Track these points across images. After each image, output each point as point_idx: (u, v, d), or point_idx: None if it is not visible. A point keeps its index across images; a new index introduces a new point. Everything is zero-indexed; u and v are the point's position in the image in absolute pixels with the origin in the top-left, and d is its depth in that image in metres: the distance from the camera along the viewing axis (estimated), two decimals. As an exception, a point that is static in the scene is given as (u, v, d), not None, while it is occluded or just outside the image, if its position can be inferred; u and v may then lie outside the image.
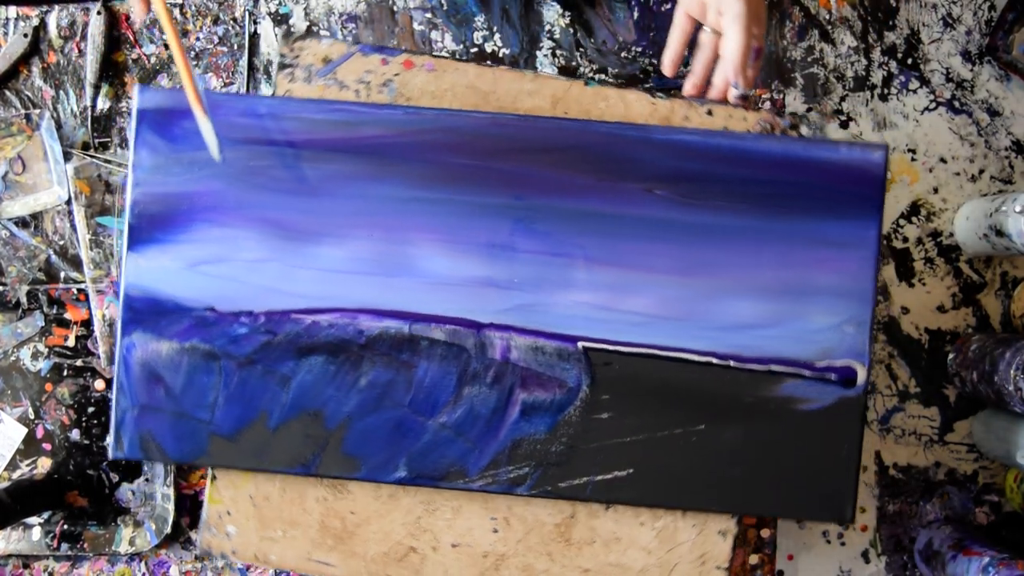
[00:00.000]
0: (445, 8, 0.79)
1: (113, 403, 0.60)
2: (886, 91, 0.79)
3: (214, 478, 0.61)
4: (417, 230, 0.57)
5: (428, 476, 0.58)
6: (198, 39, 0.79)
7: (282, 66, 0.62)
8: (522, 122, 0.57)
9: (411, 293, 0.58)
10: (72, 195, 0.78)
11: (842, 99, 0.79)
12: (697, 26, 0.60)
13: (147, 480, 0.78)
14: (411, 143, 0.57)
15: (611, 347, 0.57)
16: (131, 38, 0.80)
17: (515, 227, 0.57)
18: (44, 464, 0.79)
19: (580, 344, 0.57)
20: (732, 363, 0.56)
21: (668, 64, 0.62)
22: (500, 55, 0.78)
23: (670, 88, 0.78)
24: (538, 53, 0.79)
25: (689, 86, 0.62)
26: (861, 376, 0.56)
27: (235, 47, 0.79)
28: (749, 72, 0.58)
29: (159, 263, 0.59)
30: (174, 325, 0.59)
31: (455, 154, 0.57)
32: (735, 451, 0.57)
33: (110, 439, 0.60)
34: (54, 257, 0.80)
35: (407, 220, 0.57)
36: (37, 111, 0.79)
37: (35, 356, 0.79)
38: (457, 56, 0.70)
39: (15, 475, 0.79)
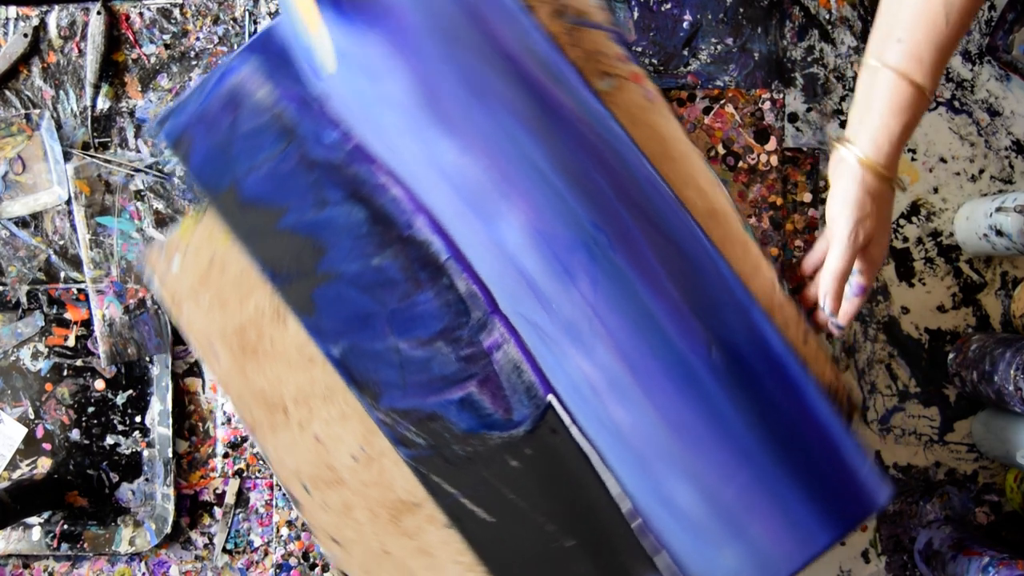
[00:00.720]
0: (445, 8, 0.79)
1: (188, 91, 0.58)
2: (886, 91, 0.79)
3: (203, 215, 0.59)
4: (523, 197, 0.55)
5: (350, 373, 0.57)
6: (198, 39, 0.79)
7: None
8: (672, 204, 0.56)
9: (472, 235, 0.56)
10: (72, 195, 0.78)
11: (842, 99, 0.79)
12: None
13: (147, 480, 0.78)
14: (581, 134, 0.56)
15: (570, 422, 0.56)
16: (131, 38, 0.80)
17: (590, 268, 0.55)
18: (44, 464, 0.79)
19: (550, 397, 0.56)
20: (636, 524, 0.55)
21: (806, 265, 0.62)
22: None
23: (670, 89, 0.78)
24: (538, 53, 0.79)
25: (805, 265, 0.61)
26: None
27: (235, 47, 0.79)
28: (846, 305, 0.57)
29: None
30: (285, 83, 0.57)
31: (603, 175, 0.56)
32: None
33: (159, 111, 0.58)
34: (54, 257, 0.80)
35: (524, 183, 0.55)
36: (37, 111, 0.79)
37: (35, 356, 0.79)
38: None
39: (15, 475, 0.79)
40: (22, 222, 0.80)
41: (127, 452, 0.78)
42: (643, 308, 0.54)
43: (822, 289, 0.56)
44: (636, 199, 0.56)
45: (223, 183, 0.58)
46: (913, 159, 0.79)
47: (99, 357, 0.77)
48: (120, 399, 0.78)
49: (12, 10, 0.79)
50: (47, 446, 0.79)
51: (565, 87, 0.56)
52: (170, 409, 0.77)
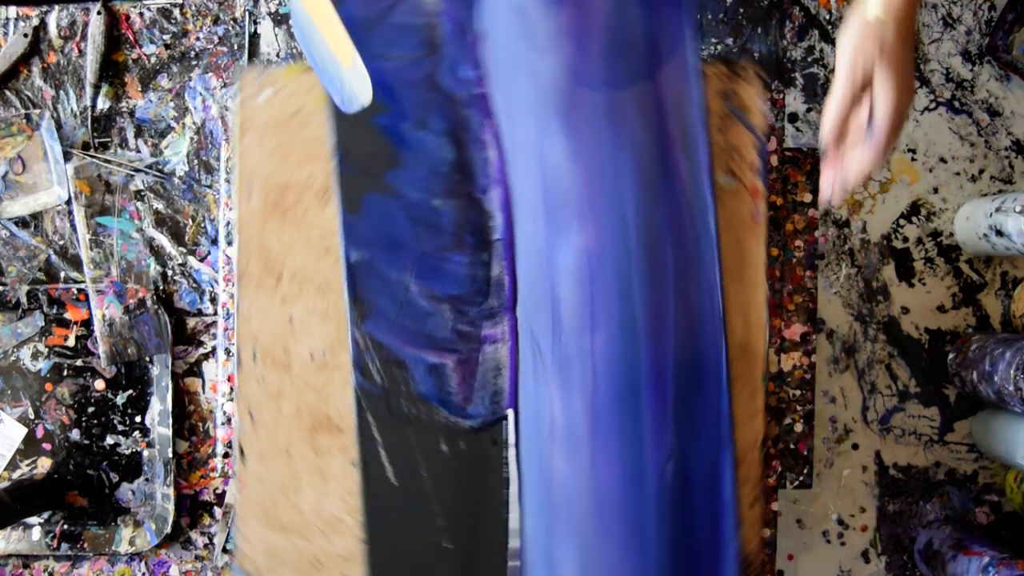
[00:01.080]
0: (445, 8, 0.79)
1: None
2: (886, 91, 0.79)
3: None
4: (596, 230, 0.54)
5: (353, 283, 0.57)
6: (198, 39, 0.79)
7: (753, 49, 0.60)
8: (716, 321, 0.56)
9: (532, 233, 0.56)
10: (72, 195, 0.78)
11: (842, 99, 0.79)
12: None
13: (147, 480, 0.78)
14: (678, 210, 0.55)
15: (512, 443, 0.56)
16: (131, 38, 0.80)
17: (613, 329, 0.55)
18: (44, 464, 0.79)
19: (510, 412, 0.56)
20: (512, 565, 0.56)
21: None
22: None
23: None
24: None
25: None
26: None
27: (235, 47, 0.79)
28: (859, 158, 0.53)
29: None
30: (457, 2, 0.57)
31: (675, 256, 0.55)
32: None
33: None
34: (54, 257, 0.80)
35: (603, 218, 0.54)
36: (37, 111, 0.79)
37: (35, 356, 0.79)
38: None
39: (15, 475, 0.79)
40: (22, 222, 0.80)
41: (127, 452, 0.78)
42: (635, 389, 0.54)
43: (822, 127, 0.54)
44: (689, 297, 0.55)
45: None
46: (913, 159, 0.79)
47: (99, 357, 0.77)
48: (120, 399, 0.78)
49: (12, 10, 0.79)
50: (47, 446, 0.79)
51: (691, 161, 0.56)
52: (170, 409, 0.77)
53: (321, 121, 0.59)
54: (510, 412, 0.56)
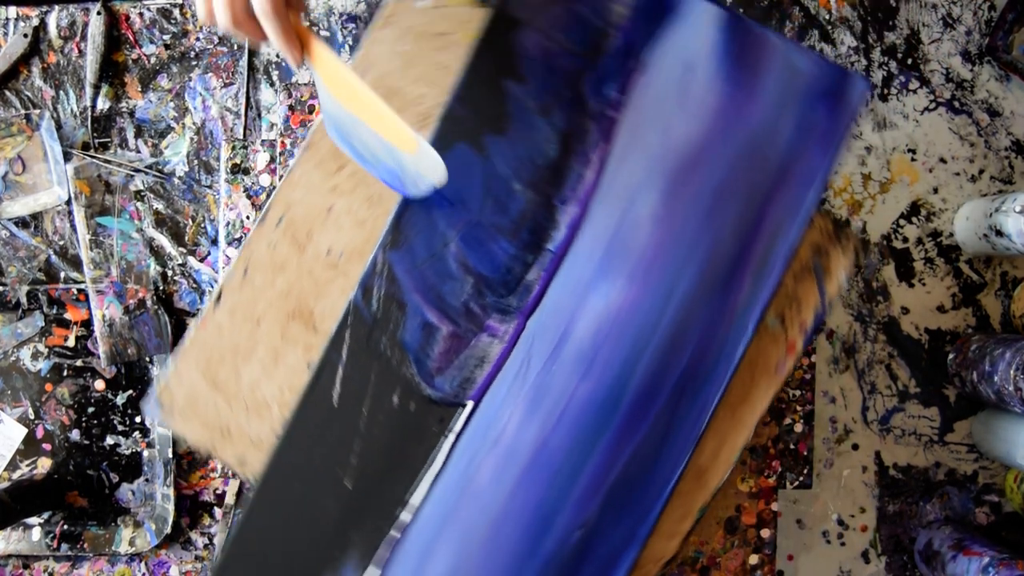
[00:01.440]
0: (445, 8, 0.79)
1: None
2: (886, 91, 0.79)
3: (481, 9, 0.60)
4: (638, 293, 0.56)
5: (402, 213, 0.58)
6: (198, 39, 0.79)
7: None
8: (692, 436, 0.57)
9: (582, 264, 0.57)
10: (72, 195, 0.78)
11: (842, 99, 0.79)
12: None
13: (147, 480, 0.78)
14: (715, 322, 0.57)
15: (454, 434, 0.56)
16: (131, 38, 0.80)
17: (599, 389, 0.56)
18: (44, 464, 0.79)
19: (470, 404, 0.57)
20: (390, 535, 0.56)
21: None
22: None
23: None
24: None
25: None
26: None
27: (235, 47, 0.79)
28: None
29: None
30: (637, 25, 0.58)
31: (690, 357, 0.57)
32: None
33: None
34: (54, 257, 0.80)
35: (649, 286, 0.56)
36: (37, 111, 0.79)
37: (35, 356, 0.79)
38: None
39: (15, 475, 0.79)
40: (22, 222, 0.80)
41: (127, 452, 0.78)
42: (588, 450, 0.56)
43: None
44: (681, 403, 0.57)
45: (516, 14, 0.58)
46: (913, 159, 0.79)
47: (99, 357, 0.77)
48: (120, 399, 0.78)
49: (12, 10, 0.79)
50: (47, 446, 0.79)
51: (754, 288, 0.57)
52: (170, 409, 0.77)
53: (459, 55, 0.59)
54: (470, 404, 0.56)
